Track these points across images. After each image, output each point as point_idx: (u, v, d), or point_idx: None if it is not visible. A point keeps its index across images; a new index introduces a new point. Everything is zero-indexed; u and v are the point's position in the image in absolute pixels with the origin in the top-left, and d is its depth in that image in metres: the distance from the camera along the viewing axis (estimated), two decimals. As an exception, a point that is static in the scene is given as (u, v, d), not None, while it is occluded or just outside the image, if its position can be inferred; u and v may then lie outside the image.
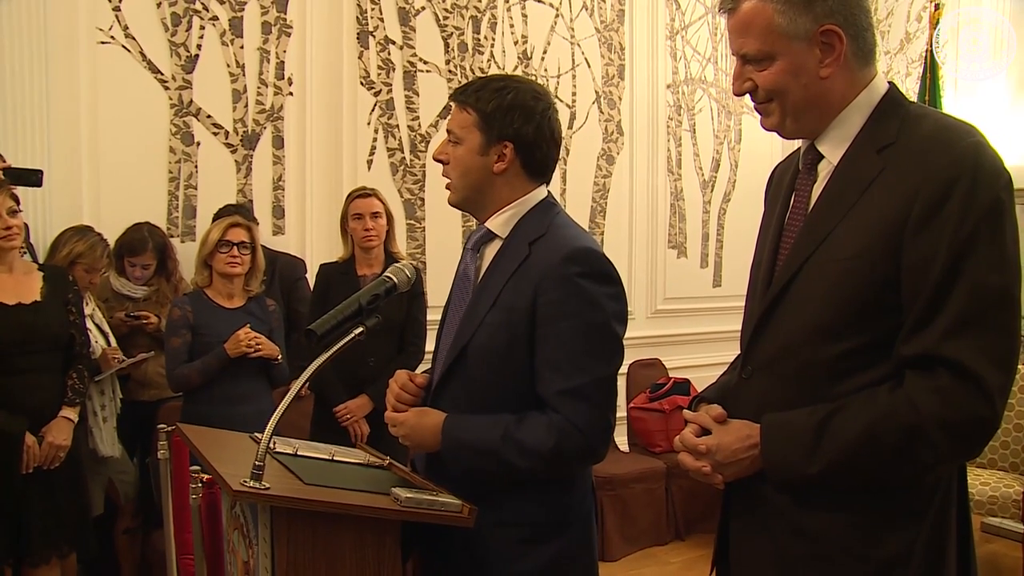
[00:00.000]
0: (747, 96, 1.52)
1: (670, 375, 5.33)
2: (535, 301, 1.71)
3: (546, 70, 5.26)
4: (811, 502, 1.44)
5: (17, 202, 3.03)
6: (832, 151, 1.48)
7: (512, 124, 1.79)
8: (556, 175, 5.25)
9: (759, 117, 1.55)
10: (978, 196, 1.31)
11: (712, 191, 6.09)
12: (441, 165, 1.89)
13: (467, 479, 1.75)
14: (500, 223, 1.84)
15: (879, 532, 1.40)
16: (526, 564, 1.74)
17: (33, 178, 3.29)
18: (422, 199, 4.83)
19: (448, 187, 1.88)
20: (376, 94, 4.66)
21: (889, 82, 1.51)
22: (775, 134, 1.56)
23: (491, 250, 1.86)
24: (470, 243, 1.90)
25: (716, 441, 1.50)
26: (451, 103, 1.86)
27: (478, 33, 5.00)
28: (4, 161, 3.32)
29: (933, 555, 1.40)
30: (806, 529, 1.45)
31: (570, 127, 5.38)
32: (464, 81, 4.89)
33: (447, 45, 4.90)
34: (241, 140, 4.32)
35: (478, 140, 1.80)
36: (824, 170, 1.50)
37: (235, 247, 3.33)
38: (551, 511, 1.78)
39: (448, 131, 1.85)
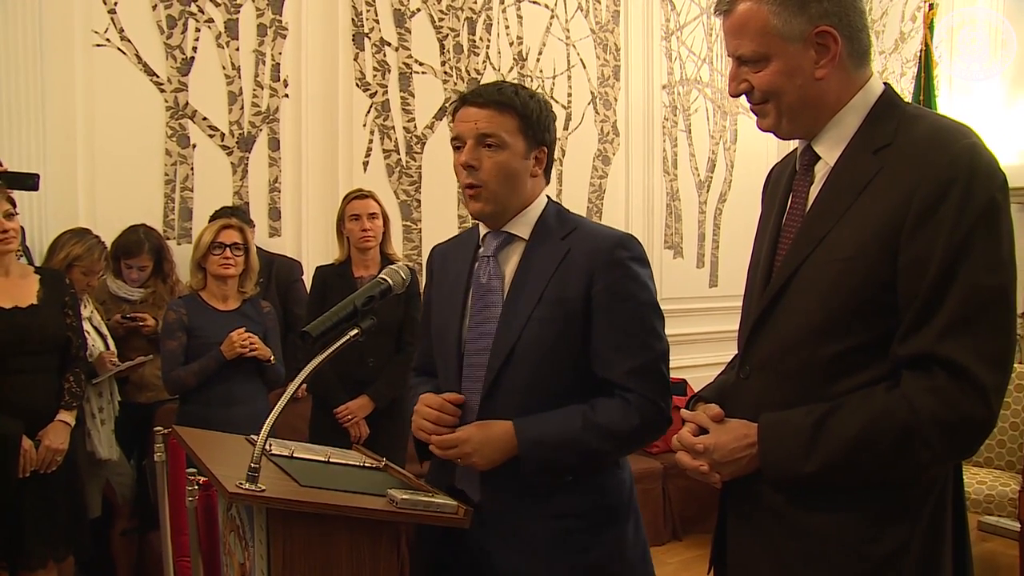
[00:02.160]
0: (743, 97, 1.53)
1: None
2: (590, 289, 1.77)
3: (541, 71, 5.27)
4: (808, 501, 1.44)
5: (14, 205, 3.03)
6: (829, 152, 1.49)
7: (549, 129, 1.87)
8: (552, 176, 5.28)
9: (755, 118, 1.55)
10: (974, 197, 1.31)
11: (708, 191, 6.09)
12: (465, 170, 1.81)
13: (535, 479, 1.76)
14: (522, 225, 1.86)
15: (875, 530, 1.40)
16: (591, 554, 1.79)
17: (29, 182, 3.28)
18: (418, 200, 4.83)
19: (475, 195, 1.82)
20: (372, 96, 4.66)
21: (885, 83, 1.52)
22: (771, 134, 1.56)
23: (513, 253, 1.86)
24: (489, 251, 1.87)
25: (714, 440, 1.51)
26: (479, 107, 1.80)
27: (473, 35, 5.01)
28: (1, 165, 3.32)
29: (929, 552, 1.41)
30: (803, 528, 1.45)
31: (566, 128, 5.38)
32: (460, 83, 4.91)
33: (442, 47, 4.90)
34: (237, 142, 4.32)
35: (523, 145, 1.82)
36: (821, 171, 1.51)
37: (228, 248, 3.33)
38: (608, 497, 1.84)
39: (487, 135, 1.79)
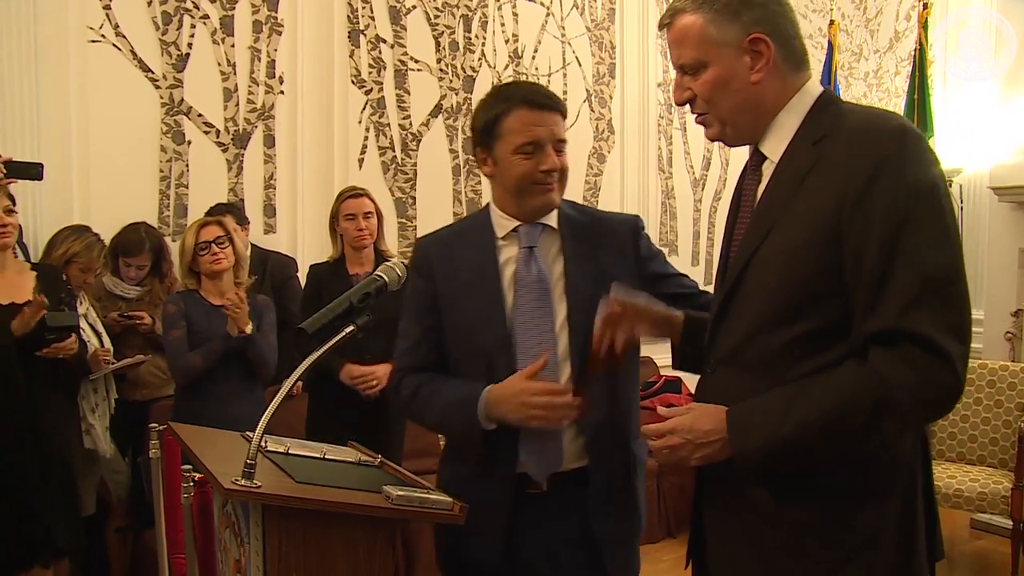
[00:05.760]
0: (687, 106, 1.61)
1: (661, 373, 5.34)
2: (637, 258, 2.05)
3: (537, 69, 5.27)
4: (782, 491, 1.48)
5: (13, 201, 3.03)
6: (773, 150, 1.56)
7: None
8: (547, 174, 5.28)
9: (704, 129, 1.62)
10: (906, 173, 1.37)
11: (703, 189, 6.10)
12: (551, 171, 1.94)
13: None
14: (551, 216, 1.99)
15: (849, 518, 1.44)
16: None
17: (34, 171, 3.25)
18: (413, 198, 4.83)
19: (558, 188, 1.97)
20: (367, 93, 4.66)
21: (823, 85, 1.59)
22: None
23: (549, 243, 1.98)
24: (532, 241, 1.96)
25: (690, 421, 1.53)
26: (551, 112, 1.93)
27: (469, 32, 5.01)
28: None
29: (903, 535, 1.45)
30: (778, 518, 1.49)
31: (561, 126, 5.38)
32: (456, 80, 4.92)
33: (438, 44, 4.91)
34: (232, 139, 4.32)
35: None
36: (768, 170, 1.57)
37: (213, 244, 3.31)
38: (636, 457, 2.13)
39: (562, 140, 1.94)
